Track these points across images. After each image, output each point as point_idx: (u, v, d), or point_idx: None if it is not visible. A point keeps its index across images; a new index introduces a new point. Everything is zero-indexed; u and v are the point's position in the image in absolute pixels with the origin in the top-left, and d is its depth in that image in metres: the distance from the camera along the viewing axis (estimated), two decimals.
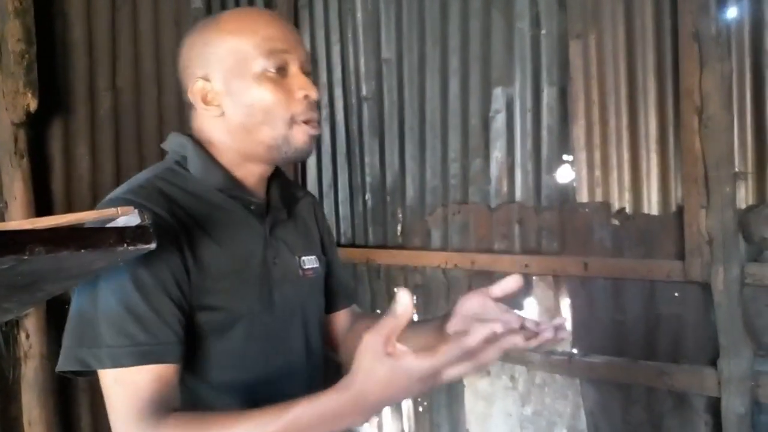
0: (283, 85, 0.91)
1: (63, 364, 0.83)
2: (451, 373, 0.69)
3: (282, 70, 0.91)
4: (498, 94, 2.34)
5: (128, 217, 0.72)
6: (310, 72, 0.96)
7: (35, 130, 2.24)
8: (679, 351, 1.98)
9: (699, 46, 1.87)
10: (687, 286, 1.95)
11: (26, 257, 0.59)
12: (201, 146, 0.96)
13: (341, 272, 1.18)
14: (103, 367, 0.80)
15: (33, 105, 2.13)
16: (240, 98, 0.91)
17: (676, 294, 1.98)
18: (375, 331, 0.69)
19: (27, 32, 2.12)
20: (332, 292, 1.15)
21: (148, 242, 0.70)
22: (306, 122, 0.92)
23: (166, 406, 0.80)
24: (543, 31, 2.23)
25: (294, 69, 0.92)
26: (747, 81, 1.90)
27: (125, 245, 0.68)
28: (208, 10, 2.85)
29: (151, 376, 0.79)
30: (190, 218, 0.88)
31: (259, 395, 0.88)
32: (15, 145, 2.15)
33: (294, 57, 0.92)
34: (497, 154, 2.36)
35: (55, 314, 2.26)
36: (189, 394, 0.88)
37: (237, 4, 2.92)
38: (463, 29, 2.42)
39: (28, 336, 2.15)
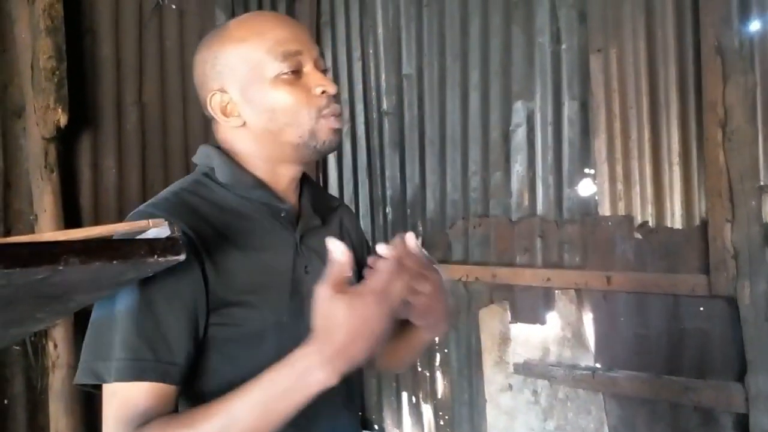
0: (300, 84, 0.90)
1: (79, 377, 0.83)
2: (399, 288, 0.74)
3: (297, 72, 0.90)
4: (519, 108, 2.35)
5: (159, 229, 0.73)
6: (325, 68, 0.95)
7: (65, 144, 2.29)
8: (704, 366, 1.96)
9: (722, 59, 1.86)
10: (712, 301, 1.93)
11: (61, 268, 0.60)
12: (227, 154, 0.96)
13: None
14: (109, 380, 0.79)
15: (63, 120, 2.17)
16: (259, 105, 0.90)
17: (701, 309, 1.96)
18: (321, 283, 0.72)
19: (58, 50, 2.17)
20: None
21: (177, 254, 0.71)
22: (330, 115, 0.91)
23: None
24: (563, 46, 2.24)
25: (308, 67, 0.91)
26: None
27: (155, 257, 0.70)
28: None
29: (147, 393, 0.78)
30: (214, 230, 0.87)
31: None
32: (45, 159, 2.19)
33: (307, 56, 0.91)
34: (518, 167, 2.36)
35: (83, 325, 2.27)
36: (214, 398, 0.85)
37: None
38: (483, 44, 2.44)
39: (56, 346, 2.18)
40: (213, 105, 0.92)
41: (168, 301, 0.81)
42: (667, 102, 2.03)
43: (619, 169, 2.12)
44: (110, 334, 0.81)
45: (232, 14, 2.88)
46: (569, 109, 2.23)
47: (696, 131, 1.98)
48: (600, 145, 2.15)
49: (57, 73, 2.18)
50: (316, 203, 1.01)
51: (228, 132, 0.95)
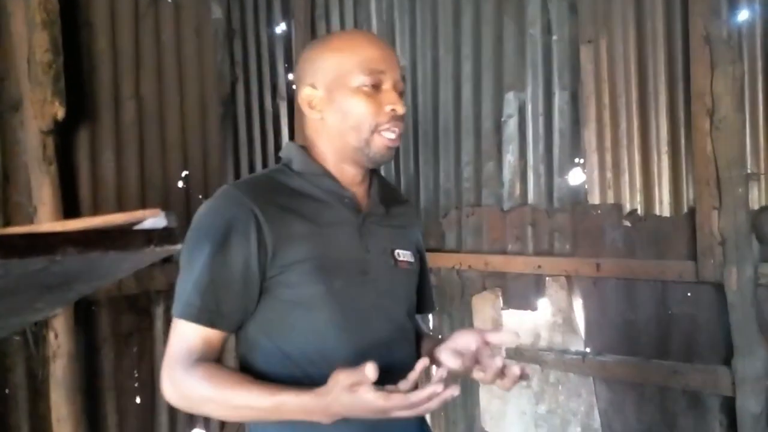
0: (376, 98, 1.05)
1: (173, 311, 1.03)
2: (401, 414, 0.89)
3: (376, 87, 1.05)
4: (510, 98, 2.38)
5: (156, 220, 0.76)
6: (403, 91, 1.10)
7: (63, 137, 2.31)
8: (692, 351, 2.00)
9: (710, 48, 1.88)
10: (700, 287, 1.96)
11: (58, 258, 0.62)
12: (303, 148, 1.13)
13: (423, 284, 1.29)
14: (176, 316, 1.00)
15: (60, 113, 2.19)
16: (338, 105, 1.06)
17: (689, 294, 2.00)
18: (349, 372, 0.89)
19: (54, 43, 2.18)
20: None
21: (174, 243, 0.74)
22: (387, 131, 1.05)
23: (204, 361, 0.99)
24: (554, 37, 2.26)
25: (387, 86, 1.06)
26: (759, 82, 1.91)
27: (152, 247, 0.73)
28: (228, 21, 2.91)
29: (199, 335, 0.99)
30: (281, 207, 1.04)
31: (352, 329, 1.05)
32: (43, 152, 2.21)
33: (389, 76, 1.06)
34: (510, 157, 2.39)
35: (83, 315, 2.33)
36: (269, 361, 1.05)
37: (255, 13, 2.99)
38: (475, 36, 2.46)
39: (56, 336, 2.20)
40: (303, 96, 1.09)
41: (229, 260, 0.99)
42: (655, 92, 2.06)
43: (608, 158, 2.15)
44: (183, 281, 1.01)
45: (228, 8, 2.90)
46: (560, 99, 2.25)
47: (684, 120, 2.01)
48: (590, 134, 2.18)
49: (53, 66, 2.19)
50: (383, 195, 1.17)
51: (310, 123, 1.12)
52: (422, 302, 1.28)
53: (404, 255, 1.15)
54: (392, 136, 1.06)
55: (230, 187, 1.06)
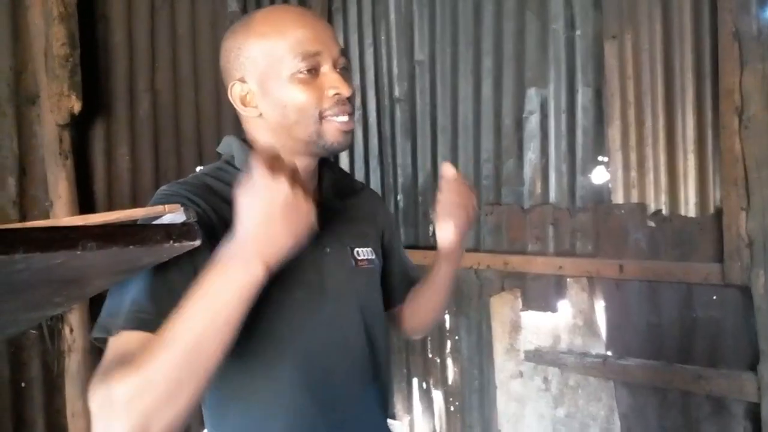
0: (315, 84, 0.92)
1: (93, 333, 0.84)
2: (282, 168, 0.75)
3: (314, 71, 0.92)
4: (532, 95, 2.34)
5: (175, 215, 0.74)
6: (346, 65, 0.97)
7: (79, 131, 2.31)
8: (717, 355, 1.95)
9: (739, 45, 1.84)
10: (725, 290, 1.92)
11: (79, 252, 0.61)
12: (246, 143, 1.00)
13: (405, 267, 1.24)
14: (114, 333, 0.80)
15: (77, 107, 2.18)
16: (275, 99, 0.93)
17: (714, 297, 1.95)
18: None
19: (71, 36, 2.18)
20: (395, 287, 1.21)
21: (193, 239, 0.72)
22: (336, 116, 0.93)
23: None
24: (578, 32, 2.21)
25: (326, 67, 0.93)
26: None
27: (171, 242, 0.71)
28: (245, 13, 2.89)
29: (143, 343, 0.76)
30: (230, 207, 0.87)
31: (315, 381, 0.93)
32: (60, 146, 2.21)
33: (326, 56, 0.93)
34: (531, 155, 2.35)
35: (98, 309, 2.32)
36: (240, 380, 0.92)
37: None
38: (496, 30, 2.42)
39: (71, 330, 2.20)
40: (233, 94, 0.96)
41: (179, 267, 0.82)
42: (682, 89, 2.01)
43: (633, 156, 2.10)
44: (124, 294, 0.82)
45: (244, 1, 2.88)
46: (583, 96, 2.21)
47: (712, 119, 1.96)
48: (614, 132, 2.14)
49: (70, 60, 2.19)
50: (336, 188, 1.05)
51: (248, 121, 0.99)
52: (400, 293, 1.22)
53: (363, 253, 1.05)
54: (344, 119, 0.93)
55: (173, 187, 0.92)
